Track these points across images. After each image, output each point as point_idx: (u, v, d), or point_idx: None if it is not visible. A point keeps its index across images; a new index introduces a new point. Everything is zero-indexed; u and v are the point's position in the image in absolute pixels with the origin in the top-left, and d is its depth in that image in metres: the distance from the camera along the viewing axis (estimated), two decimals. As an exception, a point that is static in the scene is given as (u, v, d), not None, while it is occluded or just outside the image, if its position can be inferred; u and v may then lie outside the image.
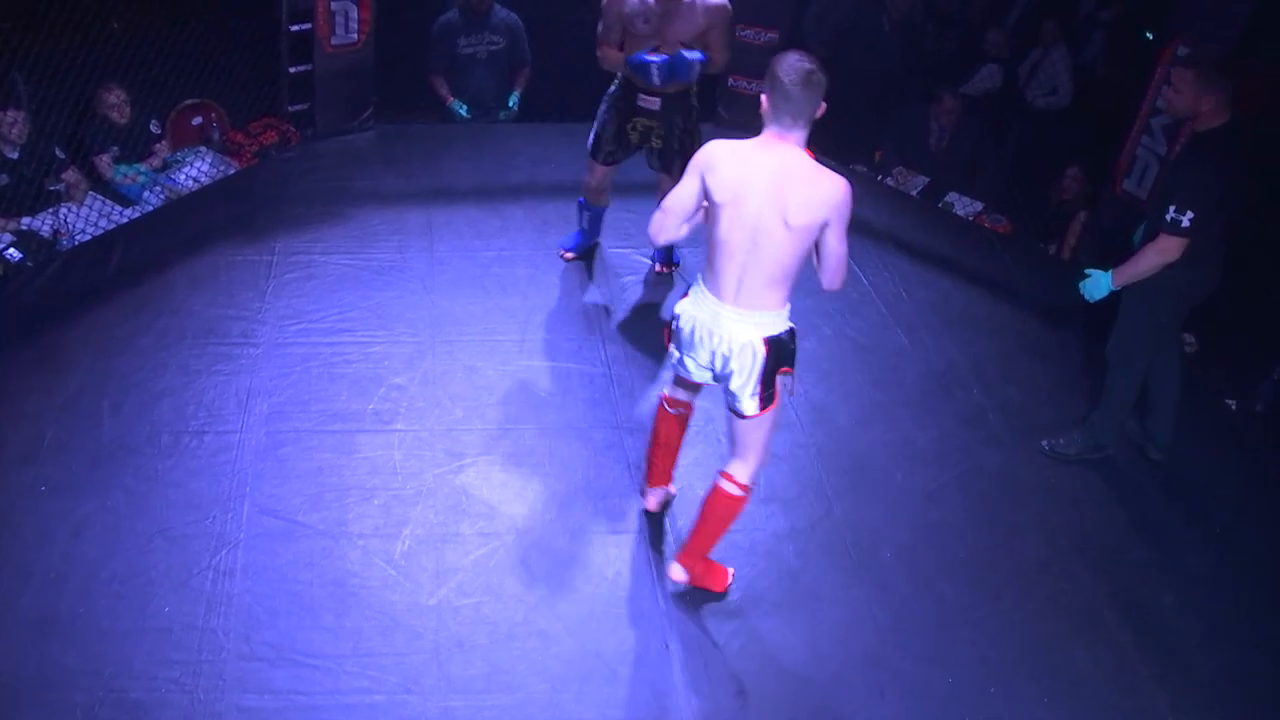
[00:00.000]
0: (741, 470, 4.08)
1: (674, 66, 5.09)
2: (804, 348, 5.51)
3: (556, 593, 4.23)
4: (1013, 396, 5.49)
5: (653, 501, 4.59)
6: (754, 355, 3.83)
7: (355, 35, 6.80)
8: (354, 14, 6.73)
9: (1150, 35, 7.16)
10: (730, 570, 4.35)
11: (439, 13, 7.39)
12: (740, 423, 4.02)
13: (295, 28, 6.72)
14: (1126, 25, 8.06)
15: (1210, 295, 4.86)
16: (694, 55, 5.06)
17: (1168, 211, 4.46)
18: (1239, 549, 4.84)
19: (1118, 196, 6.29)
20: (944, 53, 8.16)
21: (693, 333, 3.92)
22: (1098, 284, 4.79)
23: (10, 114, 5.81)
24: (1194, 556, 4.76)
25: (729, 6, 5.29)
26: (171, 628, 3.93)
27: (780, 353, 3.88)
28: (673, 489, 4.62)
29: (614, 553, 4.43)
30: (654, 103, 5.51)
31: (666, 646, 4.07)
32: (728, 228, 3.73)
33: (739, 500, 4.09)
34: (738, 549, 4.46)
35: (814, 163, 3.69)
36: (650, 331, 5.57)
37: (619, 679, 3.94)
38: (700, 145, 3.99)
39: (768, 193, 3.65)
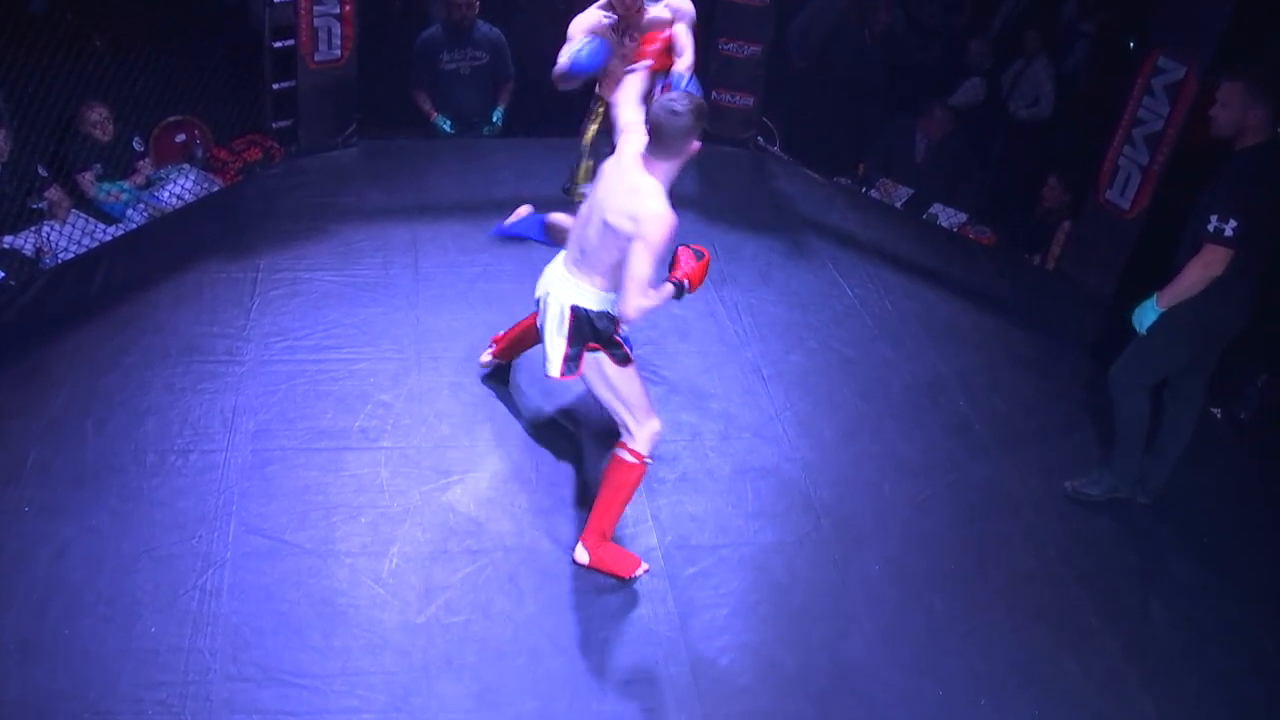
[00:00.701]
0: (628, 439, 4.25)
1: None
2: (790, 361, 5.58)
3: (545, 610, 4.22)
4: (999, 407, 5.50)
5: (484, 356, 5.23)
6: (560, 317, 4.18)
7: (338, 51, 6.80)
8: (337, 30, 6.72)
9: (1132, 44, 7.21)
10: (642, 563, 4.34)
11: (422, 28, 7.39)
12: (590, 388, 4.32)
13: (278, 44, 6.71)
14: (1108, 35, 8.11)
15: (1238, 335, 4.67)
16: (691, 85, 5.00)
17: (1209, 221, 4.30)
18: (1226, 558, 4.85)
19: (1100, 206, 6.32)
20: (927, 65, 8.19)
21: (543, 272, 4.36)
22: (1144, 311, 4.57)
23: (-8, 132, 5.79)
24: (1181, 565, 4.78)
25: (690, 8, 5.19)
26: (158, 649, 3.90)
27: (584, 327, 4.16)
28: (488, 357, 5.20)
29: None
30: None
31: (656, 662, 4.06)
32: (584, 207, 4.18)
33: (629, 468, 4.26)
34: (725, 563, 4.46)
35: (653, 189, 3.93)
36: (638, 346, 5.55)
37: (609, 696, 3.93)
38: None
39: (607, 192, 4.03)
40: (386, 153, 7.16)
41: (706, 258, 4.21)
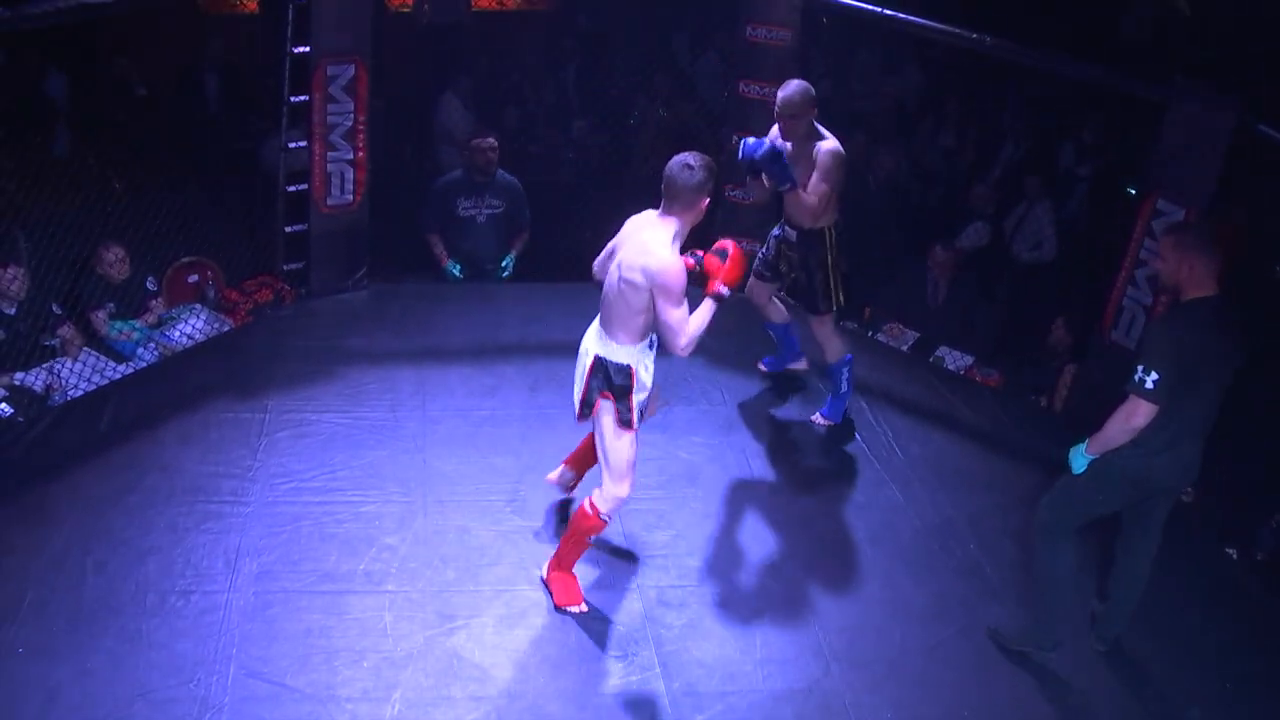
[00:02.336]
0: (598, 493, 4.65)
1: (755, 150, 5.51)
2: (798, 505, 5.53)
3: (550, 759, 4.12)
4: (1010, 551, 5.43)
5: (552, 476, 5.33)
6: (584, 365, 4.61)
7: (351, 196, 6.92)
8: (350, 175, 6.85)
9: (1132, 190, 7.33)
10: (582, 604, 4.76)
11: (433, 174, 7.54)
12: (594, 434, 4.72)
13: (292, 188, 6.83)
14: (1106, 179, 8.28)
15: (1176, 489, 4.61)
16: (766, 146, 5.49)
17: (1135, 371, 4.29)
18: (1248, 703, 4.74)
19: (1107, 348, 6.34)
20: (929, 210, 8.33)
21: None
22: (1077, 453, 4.53)
23: (10, 270, 5.87)
24: (1200, 714, 4.67)
25: (840, 152, 5.72)
26: (151, 799, 3.80)
27: (604, 374, 4.54)
28: (568, 477, 5.32)
29: (608, 717, 4.32)
30: (792, 235, 5.93)
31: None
32: (611, 270, 4.51)
33: (588, 518, 4.65)
34: (734, 711, 4.37)
35: (661, 241, 4.35)
36: (645, 491, 5.53)
37: None
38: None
39: (624, 252, 4.44)
40: (396, 296, 7.23)
41: (733, 251, 4.55)
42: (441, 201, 7.35)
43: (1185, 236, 4.40)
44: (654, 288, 4.31)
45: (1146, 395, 4.27)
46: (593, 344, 4.61)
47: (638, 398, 4.55)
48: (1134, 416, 4.30)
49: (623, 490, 4.61)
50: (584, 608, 4.77)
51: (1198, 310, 4.32)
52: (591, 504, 4.64)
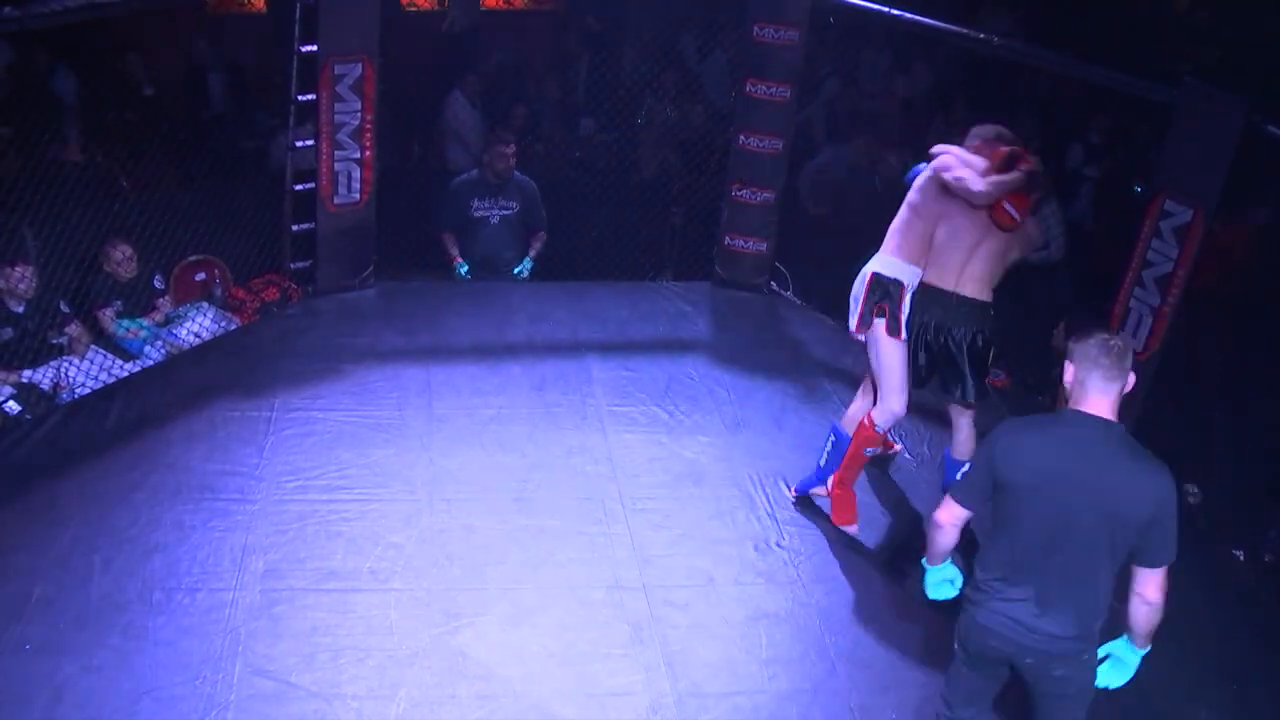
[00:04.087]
0: (875, 409, 5.13)
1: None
2: (804, 506, 5.51)
3: (555, 758, 4.12)
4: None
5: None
6: (862, 280, 5.09)
7: (358, 195, 6.92)
8: (357, 174, 6.86)
9: (1139, 189, 7.32)
10: (855, 527, 5.28)
11: (440, 173, 7.54)
12: (867, 353, 5.19)
13: (299, 187, 6.85)
14: (1114, 180, 8.26)
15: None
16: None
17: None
18: (1253, 707, 4.73)
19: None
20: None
21: None
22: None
23: (19, 269, 5.88)
24: (1210, 712, 4.66)
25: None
26: (156, 795, 3.80)
27: (877, 289, 5.04)
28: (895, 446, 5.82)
29: (613, 716, 4.32)
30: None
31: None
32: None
33: (866, 430, 5.15)
34: (740, 711, 4.37)
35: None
36: (650, 490, 5.54)
37: None
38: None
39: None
40: (403, 294, 7.24)
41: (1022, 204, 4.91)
42: (456, 202, 7.35)
43: (1080, 344, 3.56)
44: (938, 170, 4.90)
45: (952, 491, 3.80)
46: (871, 264, 5.06)
47: (904, 311, 4.97)
48: (938, 513, 3.81)
49: (897, 404, 5.04)
50: (857, 530, 5.24)
51: (1065, 425, 3.58)
52: (870, 419, 5.09)
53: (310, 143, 6.73)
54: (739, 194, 7.41)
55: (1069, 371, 3.59)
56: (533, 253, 7.51)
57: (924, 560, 3.99)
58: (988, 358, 5.16)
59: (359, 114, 6.70)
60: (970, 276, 4.99)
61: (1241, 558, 5.64)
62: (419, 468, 5.55)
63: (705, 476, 5.70)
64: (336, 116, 6.63)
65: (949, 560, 3.94)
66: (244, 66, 9.44)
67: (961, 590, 3.84)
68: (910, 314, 5.07)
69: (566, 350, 6.65)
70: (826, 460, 5.39)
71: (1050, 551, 3.52)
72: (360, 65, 6.57)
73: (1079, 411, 3.55)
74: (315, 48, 6.47)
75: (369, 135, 6.79)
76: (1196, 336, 6.86)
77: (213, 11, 10.27)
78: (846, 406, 6.38)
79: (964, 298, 5.00)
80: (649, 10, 9.53)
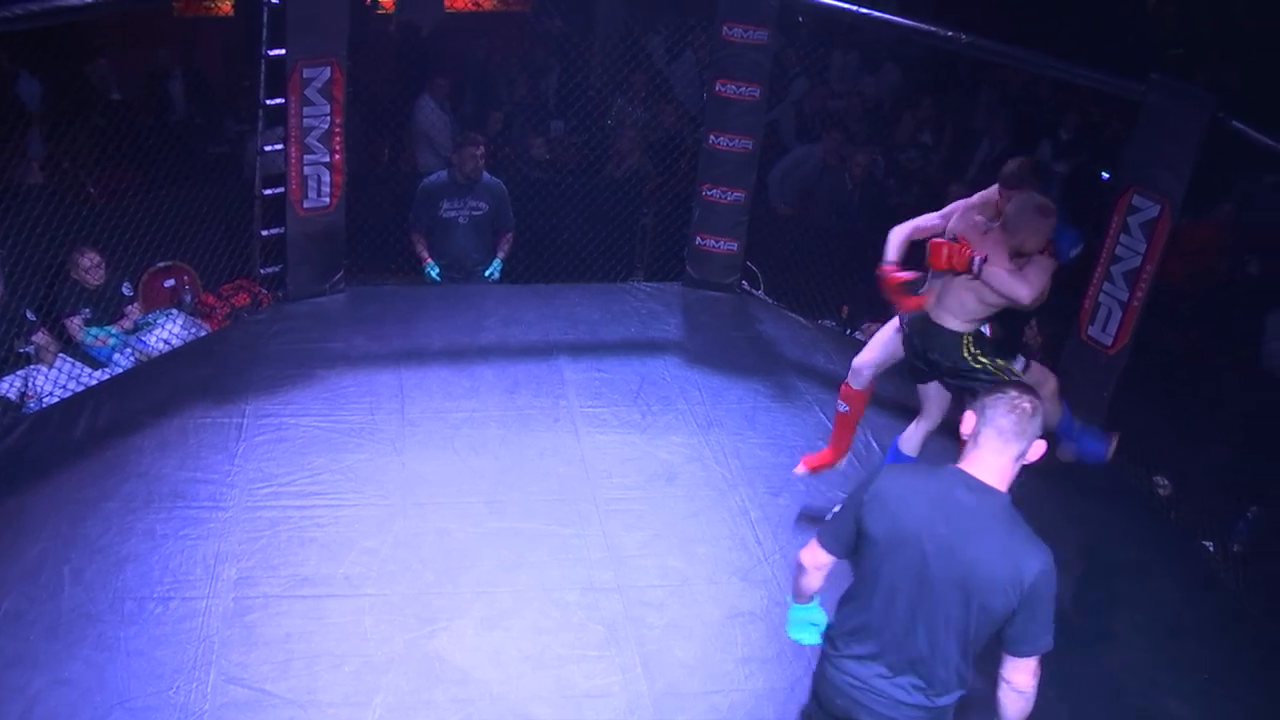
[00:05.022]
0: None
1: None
2: (778, 504, 5.54)
3: (532, 761, 4.12)
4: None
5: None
6: None
7: (328, 199, 6.89)
8: (326, 178, 6.83)
9: (1106, 175, 7.38)
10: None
11: (410, 176, 7.52)
12: None
13: (268, 191, 6.81)
14: (1083, 176, 8.32)
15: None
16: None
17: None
18: (1224, 694, 4.77)
19: (1083, 343, 6.37)
20: (907, 208, 8.35)
21: None
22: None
23: (-17, 278, 5.83)
24: (1180, 703, 4.70)
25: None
26: (130, 806, 3.77)
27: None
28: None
29: (590, 718, 4.31)
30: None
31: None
32: None
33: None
34: (717, 710, 4.37)
35: None
36: (624, 491, 5.54)
37: None
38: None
39: None
40: (374, 299, 7.21)
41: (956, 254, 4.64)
42: (425, 203, 7.34)
43: (989, 397, 3.29)
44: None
45: (819, 532, 3.51)
46: None
47: None
48: (801, 553, 3.55)
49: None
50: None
51: (941, 482, 3.28)
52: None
53: (279, 147, 6.70)
54: (709, 194, 7.42)
55: (967, 422, 3.30)
56: (501, 254, 7.51)
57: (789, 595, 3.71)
58: (966, 379, 4.92)
59: (328, 117, 6.66)
60: (945, 306, 4.88)
61: (1211, 549, 5.69)
62: (391, 472, 5.53)
63: (679, 476, 5.70)
64: (305, 120, 6.60)
65: (815, 602, 3.62)
66: (205, 71, 9.39)
67: (824, 636, 3.54)
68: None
69: (538, 352, 6.65)
70: None
71: (902, 615, 3.25)
72: (329, 68, 6.54)
73: (962, 470, 3.25)
74: (283, 51, 6.43)
75: (338, 139, 6.76)
76: (1166, 331, 6.93)
77: (179, 15, 10.21)
78: (819, 404, 6.43)
79: (936, 324, 4.90)
80: (618, 12, 9.54)
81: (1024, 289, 4.65)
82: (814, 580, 3.52)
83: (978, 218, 4.90)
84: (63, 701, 4.13)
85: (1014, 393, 3.25)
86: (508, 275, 7.56)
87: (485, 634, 4.64)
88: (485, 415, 6.03)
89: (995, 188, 5.10)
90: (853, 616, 3.38)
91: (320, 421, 5.85)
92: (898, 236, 5.09)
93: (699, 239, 7.55)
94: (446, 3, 11.35)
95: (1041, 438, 3.26)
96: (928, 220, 5.10)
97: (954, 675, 3.28)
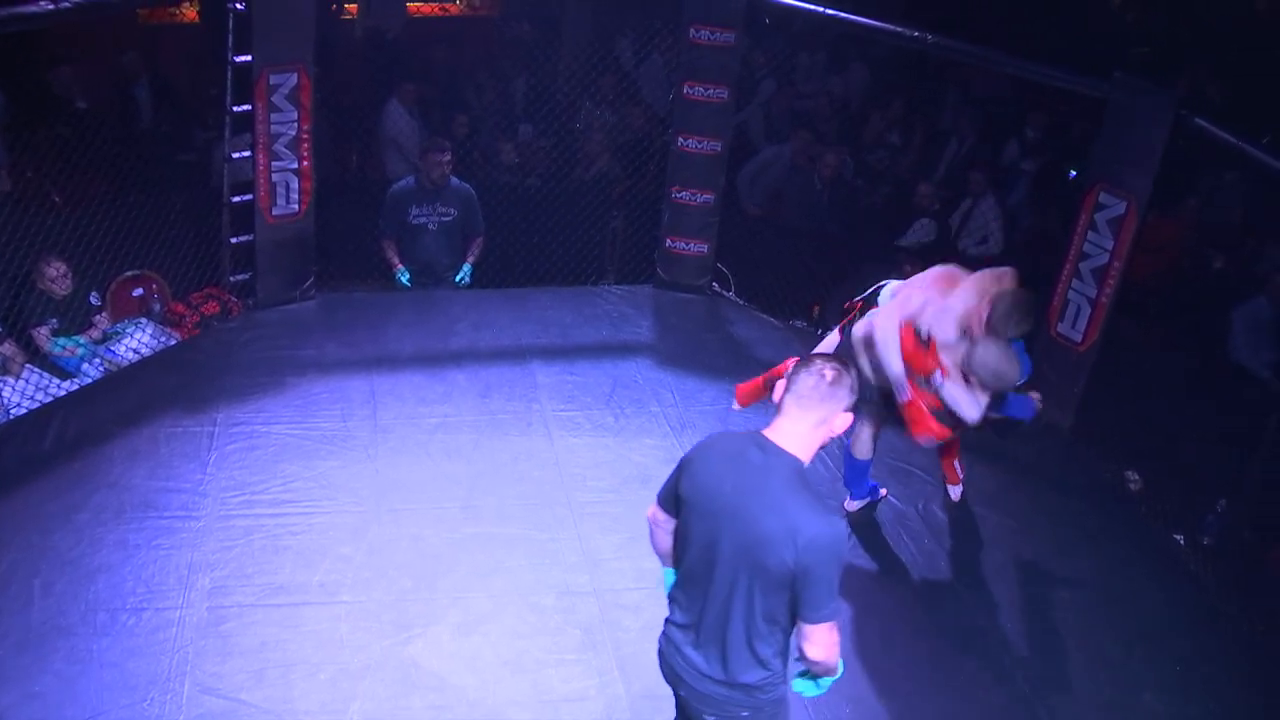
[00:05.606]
0: None
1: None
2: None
3: (510, 766, 4.11)
4: (961, 543, 5.48)
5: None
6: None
7: (296, 206, 6.86)
8: (295, 184, 6.79)
9: (1074, 173, 7.44)
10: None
11: (379, 182, 7.49)
12: None
13: (237, 199, 6.77)
14: (1050, 174, 8.39)
15: None
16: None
17: None
18: (1197, 687, 4.82)
19: (1053, 340, 6.42)
20: (876, 208, 8.40)
21: None
22: None
23: (-53, 290, 5.77)
24: (1152, 697, 4.74)
25: None
26: (106, 820, 3.74)
27: None
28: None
29: (568, 722, 4.32)
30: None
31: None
32: None
33: None
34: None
35: None
36: (598, 494, 5.54)
37: None
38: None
39: None
40: (345, 305, 7.18)
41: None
42: (394, 210, 7.30)
43: (798, 366, 3.26)
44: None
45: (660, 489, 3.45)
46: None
47: None
48: (648, 511, 3.53)
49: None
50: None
51: (743, 445, 3.24)
52: None
53: (247, 154, 6.66)
54: (679, 196, 7.42)
55: (777, 389, 3.28)
56: (471, 259, 7.48)
57: None
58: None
59: (295, 124, 6.63)
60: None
61: (1182, 542, 5.75)
62: (365, 479, 5.51)
63: (652, 479, 5.68)
64: (273, 127, 6.56)
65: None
66: (171, 78, 9.31)
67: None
68: None
69: (510, 356, 6.64)
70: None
71: (702, 578, 3.23)
72: (296, 75, 6.50)
73: (760, 433, 3.22)
74: (249, 57, 6.39)
75: (306, 145, 6.73)
76: (1134, 327, 6.99)
77: (144, 22, 10.13)
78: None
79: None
80: (585, 15, 9.54)
81: (976, 412, 4.74)
82: (659, 538, 3.48)
83: (950, 333, 4.76)
84: (34, 717, 4.09)
85: (820, 362, 3.21)
86: (478, 280, 7.54)
87: (462, 639, 4.63)
88: (458, 420, 6.02)
89: (980, 284, 4.84)
90: (678, 581, 3.38)
91: (292, 429, 5.82)
92: (893, 348, 4.82)
93: (669, 241, 7.56)
94: (411, 8, 11.30)
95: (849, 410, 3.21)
96: (904, 316, 4.84)
97: (747, 651, 3.20)
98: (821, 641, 3.14)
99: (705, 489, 3.20)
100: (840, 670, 3.31)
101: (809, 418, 3.16)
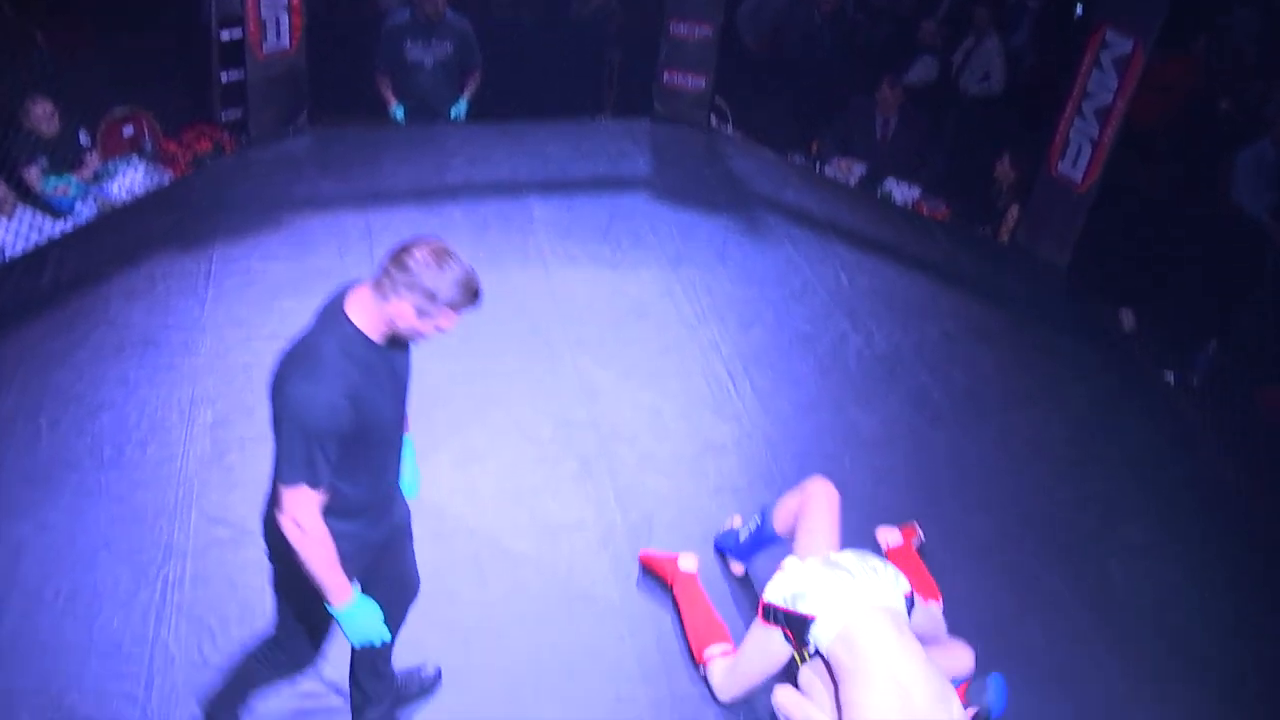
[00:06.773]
0: None
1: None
2: (748, 338, 5.59)
3: (512, 592, 4.21)
4: (957, 378, 5.54)
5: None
6: None
7: (287, 41, 6.74)
8: (285, 19, 6.66)
9: (1080, 11, 7.29)
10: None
11: (371, 15, 7.33)
12: None
13: (226, 35, 6.63)
14: (1054, 10, 8.20)
15: None
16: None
17: None
18: (1178, 520, 4.92)
19: (1053, 179, 6.37)
20: (878, 44, 8.23)
21: None
22: None
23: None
24: (1136, 529, 4.84)
25: None
26: (121, 642, 3.86)
27: None
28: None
29: (566, 548, 4.42)
30: None
31: (621, 638, 4.06)
32: None
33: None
34: (690, 539, 4.46)
35: None
36: (595, 328, 5.57)
37: (577, 674, 3.93)
38: None
39: None
40: (338, 141, 7.11)
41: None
42: (389, 45, 7.11)
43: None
44: None
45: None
46: None
47: None
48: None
49: None
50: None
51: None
52: None
53: (234, -13, 6.51)
54: (677, 29, 7.29)
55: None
56: (467, 94, 7.35)
57: None
58: None
59: (283, -45, 6.47)
60: None
61: (1172, 381, 5.80)
62: (362, 315, 5.52)
63: (649, 312, 5.73)
64: (260, -41, 6.41)
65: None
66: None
67: None
68: None
69: (507, 191, 6.60)
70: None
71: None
72: (280, -98, 6.32)
73: (333, 302, 3.14)
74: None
75: (295, -22, 6.58)
76: (1136, 168, 6.93)
77: None
78: (789, 239, 6.42)
79: None
80: None
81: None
82: None
83: None
84: (48, 546, 4.18)
85: (415, 243, 3.10)
86: (474, 114, 7.44)
87: (460, 471, 4.71)
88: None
89: None
90: None
91: (289, 265, 5.82)
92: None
93: (666, 75, 7.44)
94: None
95: None
96: None
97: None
98: (281, 504, 3.01)
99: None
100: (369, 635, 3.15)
101: (366, 286, 3.05)
